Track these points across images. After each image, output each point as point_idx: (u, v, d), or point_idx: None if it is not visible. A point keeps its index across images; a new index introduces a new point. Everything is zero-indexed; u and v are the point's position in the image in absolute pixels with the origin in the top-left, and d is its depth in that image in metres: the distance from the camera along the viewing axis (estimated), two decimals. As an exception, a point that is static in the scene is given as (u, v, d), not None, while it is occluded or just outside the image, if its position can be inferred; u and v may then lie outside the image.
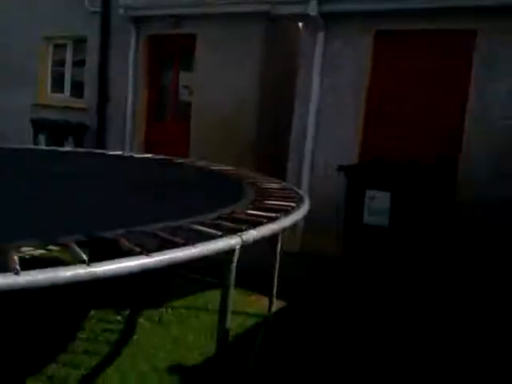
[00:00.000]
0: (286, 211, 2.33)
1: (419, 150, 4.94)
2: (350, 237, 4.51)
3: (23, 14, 8.26)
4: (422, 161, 4.72)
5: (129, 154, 4.55)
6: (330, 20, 5.20)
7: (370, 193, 4.24)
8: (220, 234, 1.85)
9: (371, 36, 5.07)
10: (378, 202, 4.23)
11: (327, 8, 5.08)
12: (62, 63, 8.25)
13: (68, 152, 4.32)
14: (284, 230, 2.27)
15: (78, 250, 1.60)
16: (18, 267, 1.31)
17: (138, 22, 7.05)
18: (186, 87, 7.11)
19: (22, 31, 8.27)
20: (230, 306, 1.91)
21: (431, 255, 4.42)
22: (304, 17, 5.33)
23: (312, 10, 5.07)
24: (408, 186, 4.22)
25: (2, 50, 8.54)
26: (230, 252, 1.91)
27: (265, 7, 5.58)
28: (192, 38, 6.62)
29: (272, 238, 2.32)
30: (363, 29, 5.09)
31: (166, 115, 7.37)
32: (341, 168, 4.54)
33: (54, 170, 3.40)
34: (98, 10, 7.36)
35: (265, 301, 3.55)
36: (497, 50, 4.50)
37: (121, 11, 6.97)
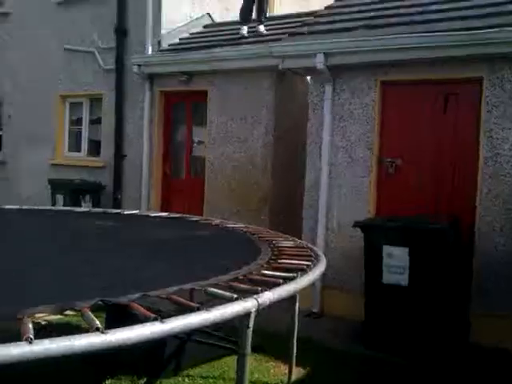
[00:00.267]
0: (303, 270, 2.30)
1: (435, 204, 4.85)
2: (370, 297, 4.34)
3: (40, 74, 8.56)
4: (438, 214, 4.64)
5: (144, 213, 4.59)
6: (337, 72, 5.28)
7: (387, 249, 4.11)
8: (235, 296, 1.83)
9: (378, 87, 5.12)
10: (396, 259, 4.08)
11: (334, 61, 5.15)
12: (78, 122, 8.48)
13: (83, 212, 4.37)
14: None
15: (92, 316, 1.59)
16: (31, 336, 1.30)
17: (152, 78, 7.25)
18: (199, 142, 7.23)
19: (39, 90, 8.55)
20: (247, 377, 1.85)
21: (456, 314, 4.26)
22: (311, 70, 5.45)
23: (319, 63, 5.16)
24: (427, 241, 4.08)
25: (19, 109, 8.84)
26: (245, 315, 1.88)
27: (274, 61, 5.73)
28: (204, 93, 6.79)
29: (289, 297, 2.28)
30: (369, 79, 5.15)
31: (181, 171, 7.45)
32: (356, 224, 4.45)
33: (69, 230, 3.44)
34: (112, 67, 7.63)
35: (283, 367, 3.41)
36: (504, 99, 4.48)
37: (134, 68, 7.21)
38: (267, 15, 7.08)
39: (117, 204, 7.41)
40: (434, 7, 5.47)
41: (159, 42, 7.39)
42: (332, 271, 5.12)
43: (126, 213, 4.43)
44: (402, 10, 5.66)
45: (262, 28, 6.80)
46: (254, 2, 6.86)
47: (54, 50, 8.39)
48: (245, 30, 6.78)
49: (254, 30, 6.85)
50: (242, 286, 2.05)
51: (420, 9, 5.53)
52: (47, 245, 2.85)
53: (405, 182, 5.02)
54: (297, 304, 2.45)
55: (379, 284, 4.21)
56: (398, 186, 5.06)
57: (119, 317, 1.94)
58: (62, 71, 8.31)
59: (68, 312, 1.77)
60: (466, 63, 4.62)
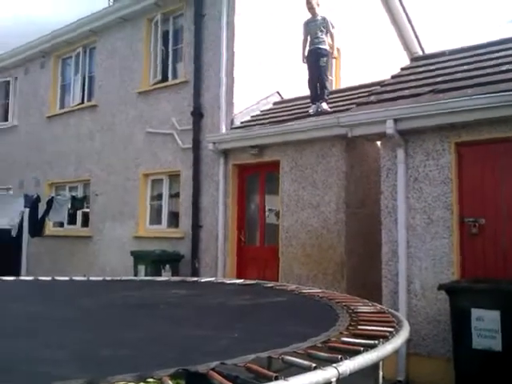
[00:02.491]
0: (385, 337, 2.17)
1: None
2: (460, 364, 4.04)
3: (123, 155, 9.31)
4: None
5: (220, 280, 4.66)
6: (408, 136, 5.27)
7: (476, 312, 3.84)
8: (314, 365, 1.76)
9: (452, 148, 5.02)
10: (486, 323, 3.79)
11: (403, 126, 5.16)
12: (159, 197, 8.98)
13: (163, 281, 4.52)
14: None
15: (171, 384, 1.60)
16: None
17: (226, 153, 7.62)
18: (272, 210, 7.35)
19: (123, 170, 9.25)
20: None
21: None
22: (381, 135, 5.46)
23: (389, 129, 5.17)
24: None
25: (105, 187, 9.56)
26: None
27: (342, 130, 5.83)
28: (275, 163, 6.99)
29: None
30: (442, 142, 5.07)
31: (255, 239, 7.57)
32: (441, 287, 4.26)
33: (148, 299, 3.55)
34: (189, 146, 8.13)
35: None
36: None
37: (210, 146, 7.63)
38: (329, 92, 7.14)
39: (195, 272, 7.60)
40: (498, 69, 5.41)
41: (232, 121, 7.84)
42: (417, 337, 4.83)
43: (202, 280, 4.51)
44: (466, 74, 5.65)
45: (324, 106, 6.86)
46: (316, 83, 6.98)
47: (136, 134, 9.16)
48: (312, 108, 6.95)
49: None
50: (321, 353, 1.97)
51: (485, 71, 5.49)
52: (125, 314, 2.94)
53: (490, 242, 4.75)
54: (380, 372, 2.29)
55: (469, 349, 3.93)
56: (482, 247, 4.79)
57: (198, 386, 1.92)
58: (143, 152, 8.98)
59: (149, 379, 1.79)
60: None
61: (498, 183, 4.79)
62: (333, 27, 6.98)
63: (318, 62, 6.92)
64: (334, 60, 8.87)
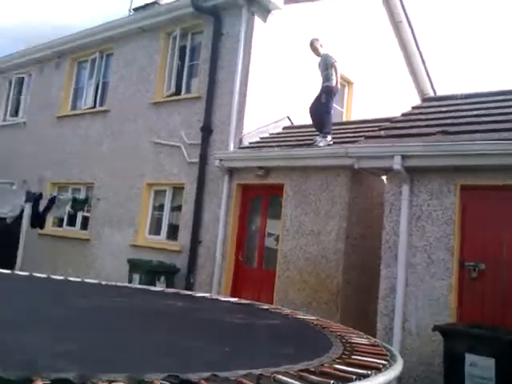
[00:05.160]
0: (378, 369, 2.17)
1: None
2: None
3: (129, 163, 9.36)
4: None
5: (215, 297, 4.64)
6: (414, 173, 5.32)
7: (470, 358, 3.79)
8: (306, 388, 1.76)
9: (457, 190, 5.06)
10: (480, 370, 3.73)
11: (411, 163, 5.21)
12: (160, 207, 9.00)
13: (157, 292, 4.50)
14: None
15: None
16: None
17: (231, 171, 7.68)
18: (272, 234, 7.36)
19: (127, 178, 9.29)
20: None
21: None
22: (388, 170, 5.51)
23: (396, 164, 5.22)
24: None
25: (108, 193, 9.58)
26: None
27: (349, 161, 5.89)
28: (280, 187, 7.03)
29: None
30: (448, 183, 5.11)
31: (253, 260, 7.56)
32: (437, 328, 4.21)
33: (142, 307, 3.53)
34: (195, 160, 8.19)
35: None
36: None
37: (216, 163, 7.69)
38: (331, 127, 7.09)
39: (189, 286, 7.55)
40: (506, 117, 5.49)
41: (241, 140, 7.91)
42: (408, 376, 4.77)
43: (197, 295, 4.49)
44: (477, 119, 5.72)
45: (322, 142, 6.79)
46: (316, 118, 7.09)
47: (144, 143, 9.23)
48: (319, 141, 6.94)
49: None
50: (313, 377, 1.96)
51: (498, 118, 5.57)
52: (119, 318, 2.94)
53: (489, 288, 4.74)
54: (370, 405, 2.27)
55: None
56: (481, 292, 4.77)
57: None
58: (149, 162, 9.03)
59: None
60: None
61: (499, 229, 4.81)
62: (335, 61, 7.05)
63: (320, 98, 7.06)
64: (345, 91, 8.90)
